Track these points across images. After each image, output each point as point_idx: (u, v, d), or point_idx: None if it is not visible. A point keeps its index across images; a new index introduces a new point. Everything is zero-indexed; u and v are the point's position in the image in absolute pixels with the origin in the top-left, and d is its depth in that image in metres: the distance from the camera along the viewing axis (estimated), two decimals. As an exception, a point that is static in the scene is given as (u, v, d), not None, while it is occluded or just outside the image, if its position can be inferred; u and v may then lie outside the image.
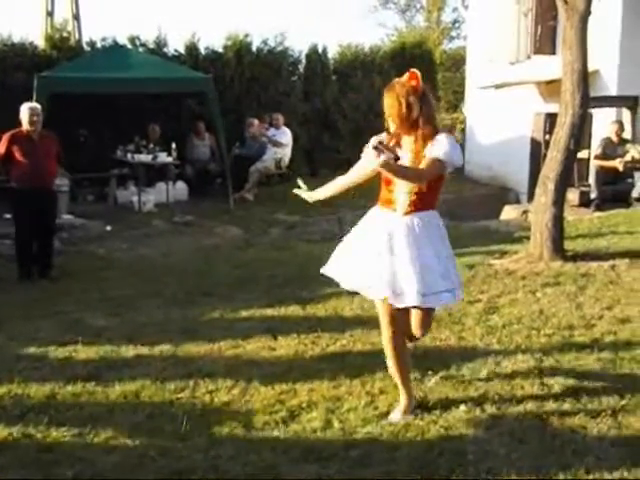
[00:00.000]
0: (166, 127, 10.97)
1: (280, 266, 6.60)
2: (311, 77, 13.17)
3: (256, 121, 11.30)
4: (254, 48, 12.55)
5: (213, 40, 13.06)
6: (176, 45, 12.32)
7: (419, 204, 3.04)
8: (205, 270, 6.59)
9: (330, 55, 13.69)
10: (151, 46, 12.01)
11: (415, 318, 3.23)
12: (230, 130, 11.12)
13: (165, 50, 12.15)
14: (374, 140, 2.88)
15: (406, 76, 3.04)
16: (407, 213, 3.05)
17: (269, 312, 5.00)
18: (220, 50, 12.40)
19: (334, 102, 13.28)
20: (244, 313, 4.97)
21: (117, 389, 3.55)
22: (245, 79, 12.18)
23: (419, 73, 3.03)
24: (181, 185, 10.97)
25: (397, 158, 2.93)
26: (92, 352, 4.17)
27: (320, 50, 13.35)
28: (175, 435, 3.04)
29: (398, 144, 3.07)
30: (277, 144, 11.02)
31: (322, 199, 3.55)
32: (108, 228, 8.98)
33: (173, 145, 10.60)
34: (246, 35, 12.51)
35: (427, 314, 3.23)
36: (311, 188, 3.56)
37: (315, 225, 9.75)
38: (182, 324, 4.74)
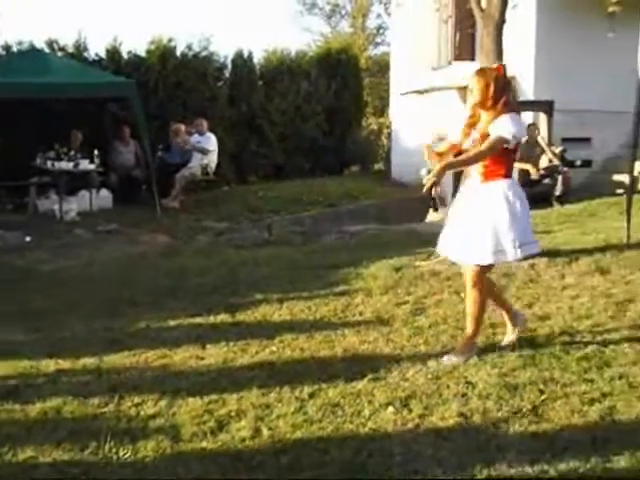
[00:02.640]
0: (88, 133, 10.68)
1: (209, 273, 6.51)
2: (237, 82, 13.11)
3: (182, 127, 11.15)
4: (178, 53, 12.40)
5: (136, 44, 12.80)
6: (97, 49, 12.06)
7: (489, 175, 3.64)
8: (131, 280, 6.43)
9: (256, 60, 13.68)
10: (70, 50, 11.68)
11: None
12: (155, 136, 10.94)
13: (86, 55, 11.84)
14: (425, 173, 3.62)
15: (494, 66, 3.80)
16: (482, 182, 3.67)
17: (197, 320, 4.92)
18: (143, 55, 12.19)
19: (261, 107, 13.26)
20: (172, 322, 4.87)
21: (37, 406, 3.41)
22: (170, 84, 12.01)
23: (505, 65, 3.77)
24: (105, 193, 10.69)
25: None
26: (10, 368, 4.00)
27: (246, 55, 13.32)
28: (99, 451, 2.95)
29: (474, 125, 3.74)
30: (202, 151, 10.89)
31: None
32: (28, 239, 8.64)
33: (95, 152, 10.33)
34: (170, 40, 12.35)
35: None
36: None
37: (244, 231, 9.68)
38: (106, 336, 4.61)
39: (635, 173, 7.12)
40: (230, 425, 3.16)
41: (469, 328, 3.86)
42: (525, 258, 4.01)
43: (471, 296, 3.82)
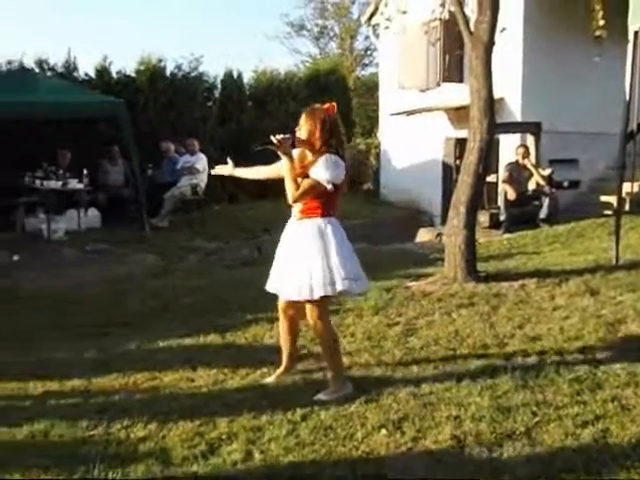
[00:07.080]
0: (77, 153, 10.66)
1: (198, 294, 6.48)
2: (227, 103, 13.16)
3: (172, 146, 11.18)
4: (168, 73, 12.44)
5: (125, 64, 12.84)
6: (86, 69, 12.08)
7: (306, 212, 3.66)
8: (119, 300, 6.39)
9: (245, 81, 13.74)
10: (60, 70, 11.69)
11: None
12: (145, 155, 10.93)
13: (75, 74, 11.85)
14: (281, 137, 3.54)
15: (326, 106, 3.69)
16: (299, 219, 3.69)
17: (187, 342, 4.89)
18: (132, 74, 12.22)
19: (251, 127, 13.30)
20: (161, 344, 4.83)
21: (24, 429, 3.35)
22: (159, 104, 12.04)
23: (335, 105, 3.71)
24: (93, 212, 10.66)
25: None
26: (-3, 390, 3.95)
27: (235, 75, 13.39)
28: (88, 475, 2.89)
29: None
30: (192, 171, 10.88)
31: (238, 176, 4.28)
32: (15, 258, 8.59)
33: (85, 171, 10.31)
34: (159, 60, 12.40)
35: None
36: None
37: (234, 251, 9.66)
38: (95, 357, 4.56)
39: (623, 194, 7.19)
40: (221, 448, 3.11)
41: (330, 366, 3.78)
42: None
43: (317, 334, 3.80)
